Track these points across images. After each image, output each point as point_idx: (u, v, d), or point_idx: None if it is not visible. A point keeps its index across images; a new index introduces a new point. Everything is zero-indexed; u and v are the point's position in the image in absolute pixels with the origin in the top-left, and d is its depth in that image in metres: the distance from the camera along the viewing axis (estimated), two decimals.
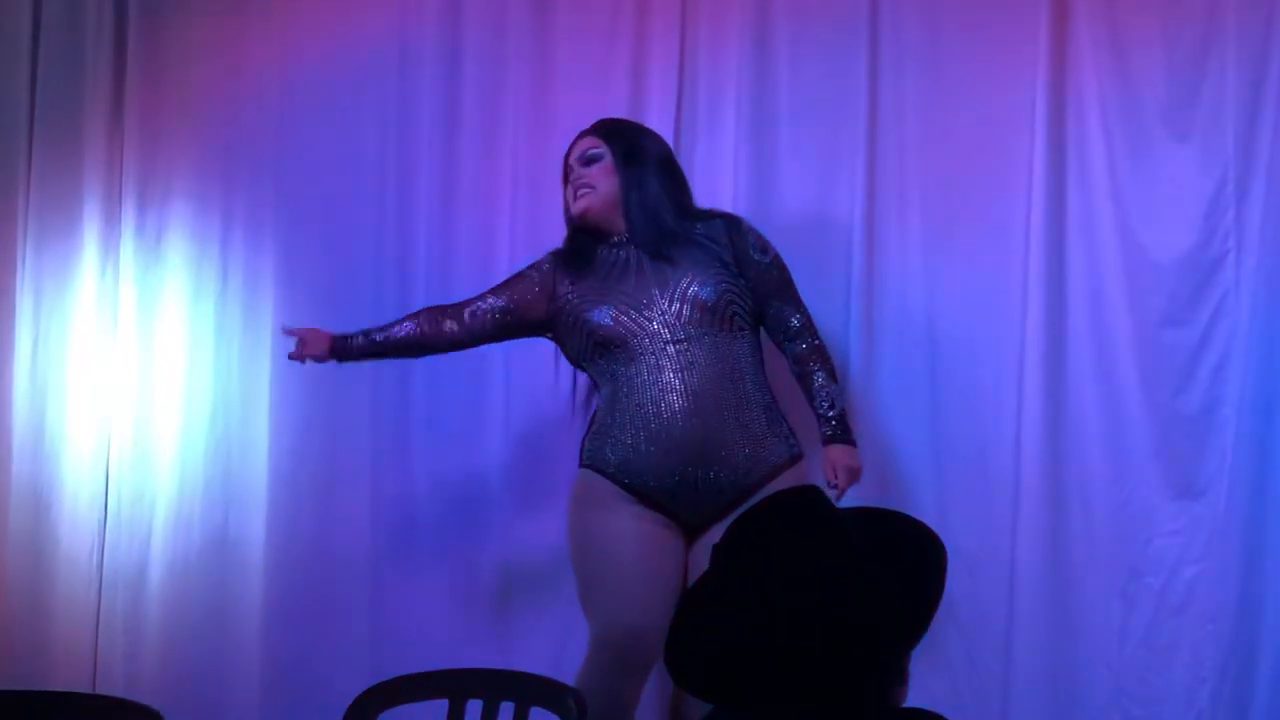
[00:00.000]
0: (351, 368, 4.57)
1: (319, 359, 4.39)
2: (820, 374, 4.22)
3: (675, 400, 4.12)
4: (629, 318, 4.18)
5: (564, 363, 4.62)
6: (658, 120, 4.80)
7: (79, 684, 4.89)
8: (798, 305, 4.28)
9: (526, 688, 3.53)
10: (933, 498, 4.71)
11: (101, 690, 4.83)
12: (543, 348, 4.68)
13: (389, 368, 4.80)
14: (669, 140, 4.62)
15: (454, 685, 3.55)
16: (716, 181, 4.83)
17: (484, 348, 4.54)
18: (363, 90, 5.03)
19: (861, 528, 2.10)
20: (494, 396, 4.97)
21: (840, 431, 4.20)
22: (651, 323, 4.17)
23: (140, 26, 5.07)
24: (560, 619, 4.78)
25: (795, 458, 4.23)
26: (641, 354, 4.16)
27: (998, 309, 4.72)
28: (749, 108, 4.85)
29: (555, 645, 4.80)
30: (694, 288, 4.17)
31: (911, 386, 4.77)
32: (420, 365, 4.80)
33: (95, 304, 5.07)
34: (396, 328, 4.40)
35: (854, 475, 4.18)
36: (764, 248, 4.26)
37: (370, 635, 4.93)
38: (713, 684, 2.07)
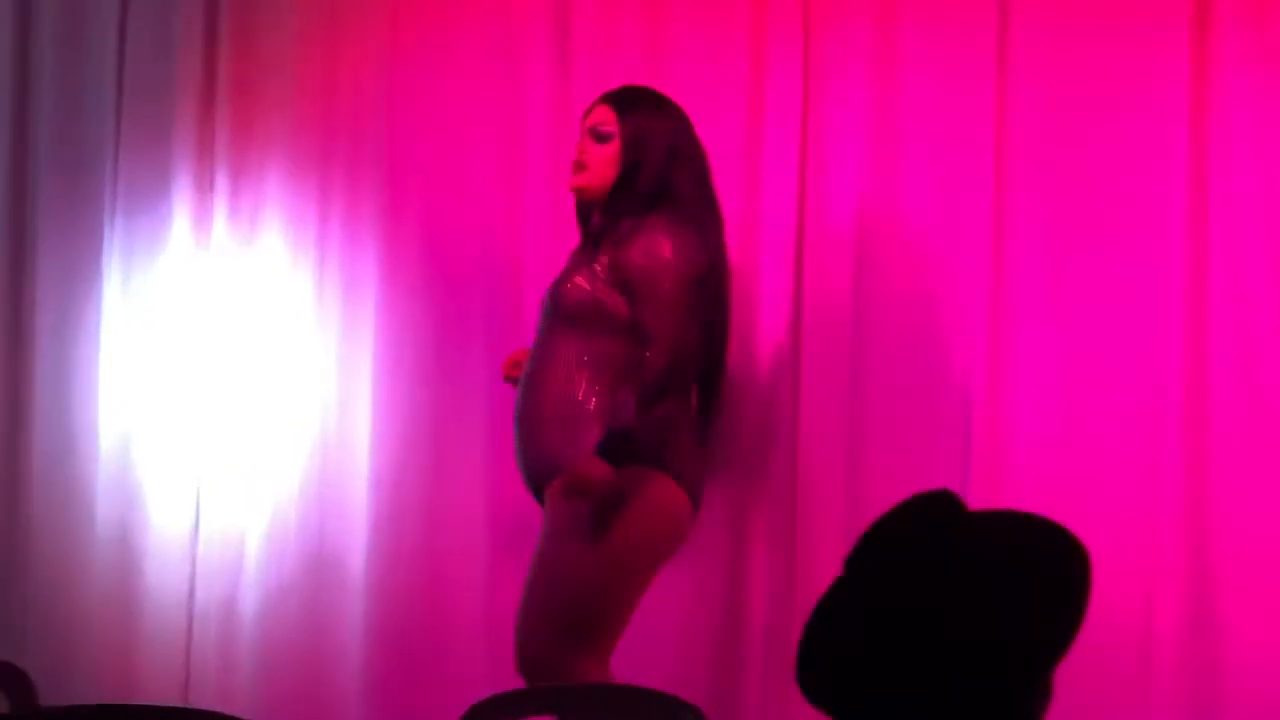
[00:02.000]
0: (462, 369, 4.61)
1: None
2: (628, 395, 4.07)
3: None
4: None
5: None
6: (777, 129, 4.69)
7: None
8: (657, 326, 4.09)
9: (639, 702, 3.49)
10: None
11: None
12: None
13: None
14: (792, 152, 4.60)
15: (561, 700, 3.56)
16: (838, 191, 4.72)
17: None
18: (470, 81, 4.92)
19: (999, 533, 2.04)
20: None
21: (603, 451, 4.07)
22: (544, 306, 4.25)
23: (232, 9, 5.00)
24: (673, 633, 4.61)
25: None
26: None
27: (1136, 324, 4.57)
28: (873, 114, 4.72)
29: (669, 659, 4.60)
30: (558, 284, 4.19)
31: (1043, 404, 4.60)
32: None
33: (184, 292, 4.99)
34: None
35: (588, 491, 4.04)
36: (653, 253, 4.11)
37: (485, 655, 4.72)
38: (843, 700, 2.01)
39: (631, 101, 4.26)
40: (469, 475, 4.81)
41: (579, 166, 4.22)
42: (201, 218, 4.97)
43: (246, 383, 4.94)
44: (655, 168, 4.17)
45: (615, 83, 4.74)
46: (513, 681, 4.45)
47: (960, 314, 4.63)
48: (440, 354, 4.81)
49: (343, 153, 4.95)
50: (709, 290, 4.17)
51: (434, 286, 4.86)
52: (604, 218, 4.19)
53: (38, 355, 5.01)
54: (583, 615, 4.04)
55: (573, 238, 4.68)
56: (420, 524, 4.82)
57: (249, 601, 4.89)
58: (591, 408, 4.09)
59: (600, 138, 4.20)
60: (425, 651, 4.78)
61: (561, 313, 4.15)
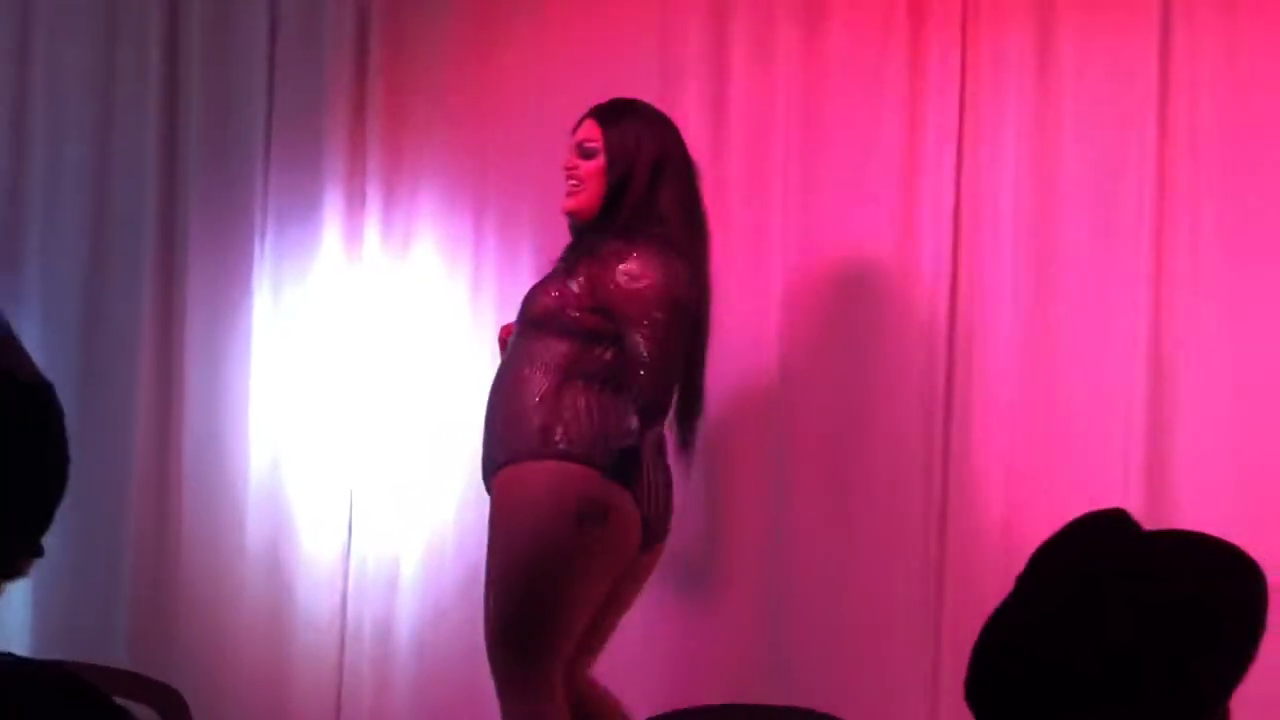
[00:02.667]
0: None
1: None
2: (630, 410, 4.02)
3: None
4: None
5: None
6: (935, 121, 4.63)
7: None
8: (646, 343, 4.00)
9: None
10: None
11: None
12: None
13: None
14: (951, 144, 4.57)
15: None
16: (995, 185, 4.66)
17: None
18: (624, 88, 4.71)
19: (1179, 556, 2.02)
20: None
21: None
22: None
23: (383, 22, 4.97)
24: (838, 652, 4.56)
25: (507, 463, 4.06)
26: None
27: None
28: (1032, 107, 4.64)
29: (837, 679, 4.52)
30: (532, 295, 4.13)
31: (1212, 401, 4.49)
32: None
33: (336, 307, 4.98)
34: None
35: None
36: (634, 276, 4.02)
37: (647, 675, 4.64)
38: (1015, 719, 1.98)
39: (616, 114, 4.21)
40: None
41: (572, 187, 4.17)
42: (353, 230, 4.94)
43: (400, 399, 4.90)
44: (642, 180, 4.11)
45: (773, 82, 4.75)
46: (672, 700, 4.37)
47: (1121, 312, 4.55)
48: None
49: (498, 163, 4.90)
50: (691, 320, 4.11)
51: None
52: (592, 233, 4.11)
53: (188, 372, 4.99)
54: (516, 615, 4.01)
55: (734, 240, 4.70)
56: None
57: (404, 623, 4.85)
58: (535, 403, 4.02)
59: (586, 154, 4.16)
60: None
61: (528, 317, 4.10)
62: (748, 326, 4.69)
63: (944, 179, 4.64)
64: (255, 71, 4.99)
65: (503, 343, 4.27)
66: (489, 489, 4.11)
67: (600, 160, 4.13)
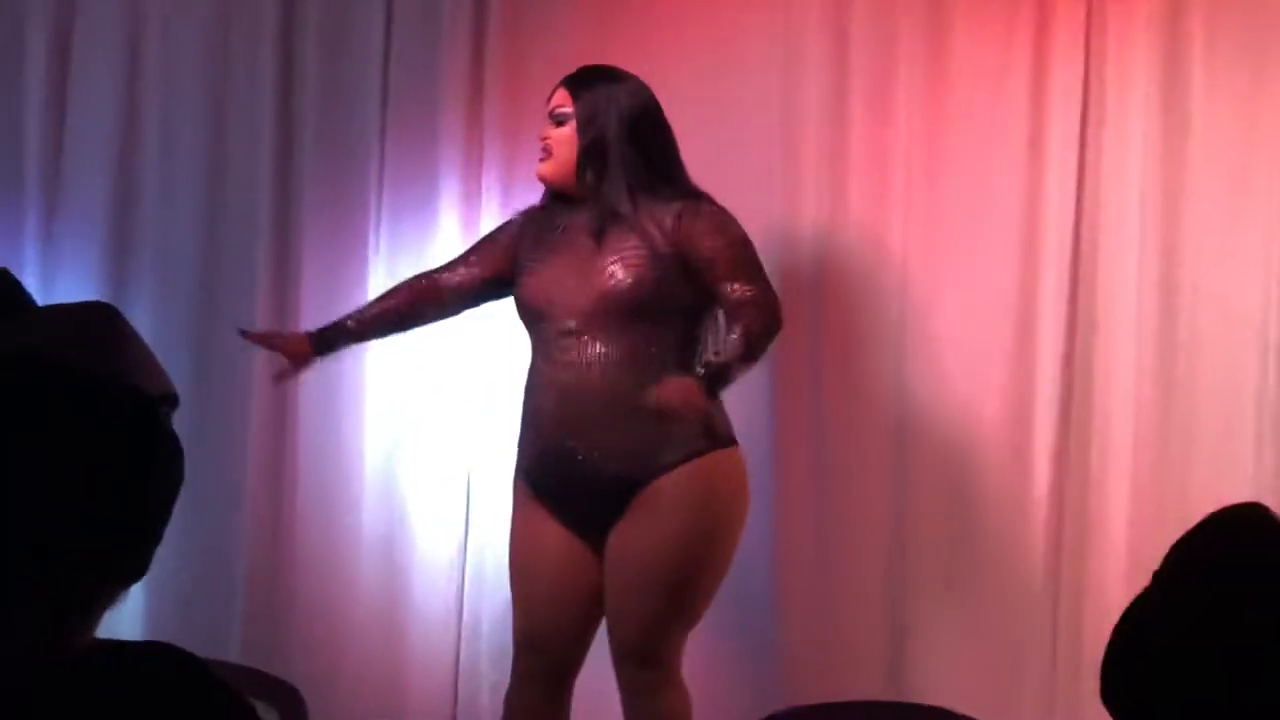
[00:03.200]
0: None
1: (303, 366, 4.30)
2: (734, 332, 3.99)
3: (551, 399, 4.09)
4: (547, 297, 4.13)
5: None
6: (1062, 113, 4.66)
7: None
8: (751, 280, 4.06)
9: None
10: None
11: None
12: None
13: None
14: (1073, 135, 4.58)
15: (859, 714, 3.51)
16: (1121, 177, 4.68)
17: None
18: (745, 75, 4.85)
19: None
20: None
21: (711, 377, 3.96)
22: (561, 307, 4.10)
23: (502, 8, 4.94)
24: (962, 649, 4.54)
25: (691, 455, 4.04)
26: (547, 340, 4.13)
27: None
28: (1158, 98, 4.64)
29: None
30: (613, 279, 4.06)
31: None
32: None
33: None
34: (378, 306, 4.38)
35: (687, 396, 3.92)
36: (721, 228, 4.09)
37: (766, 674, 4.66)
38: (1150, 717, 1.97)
39: (585, 80, 4.21)
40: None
41: (542, 154, 4.20)
42: (470, 222, 4.90)
43: (517, 390, 4.74)
44: (619, 139, 4.11)
45: (894, 77, 4.74)
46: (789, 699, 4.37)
47: (1254, 315, 4.55)
48: None
49: None
50: None
51: None
52: (613, 205, 4.09)
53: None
54: (692, 597, 4.07)
55: (850, 230, 4.68)
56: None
57: None
58: (680, 397, 3.94)
59: (558, 120, 4.17)
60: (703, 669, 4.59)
61: (620, 307, 4.05)
62: (867, 332, 4.70)
63: (1066, 203, 4.66)
64: (370, 61, 4.95)
65: (295, 356, 4.24)
66: (632, 491, 4.05)
67: (571, 125, 4.12)
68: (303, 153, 4.98)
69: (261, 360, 4.74)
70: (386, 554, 4.89)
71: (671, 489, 4.02)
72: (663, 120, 4.20)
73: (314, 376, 4.91)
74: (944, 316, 4.73)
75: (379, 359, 4.89)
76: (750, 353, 3.96)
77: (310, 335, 4.32)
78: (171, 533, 2.02)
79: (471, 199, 4.89)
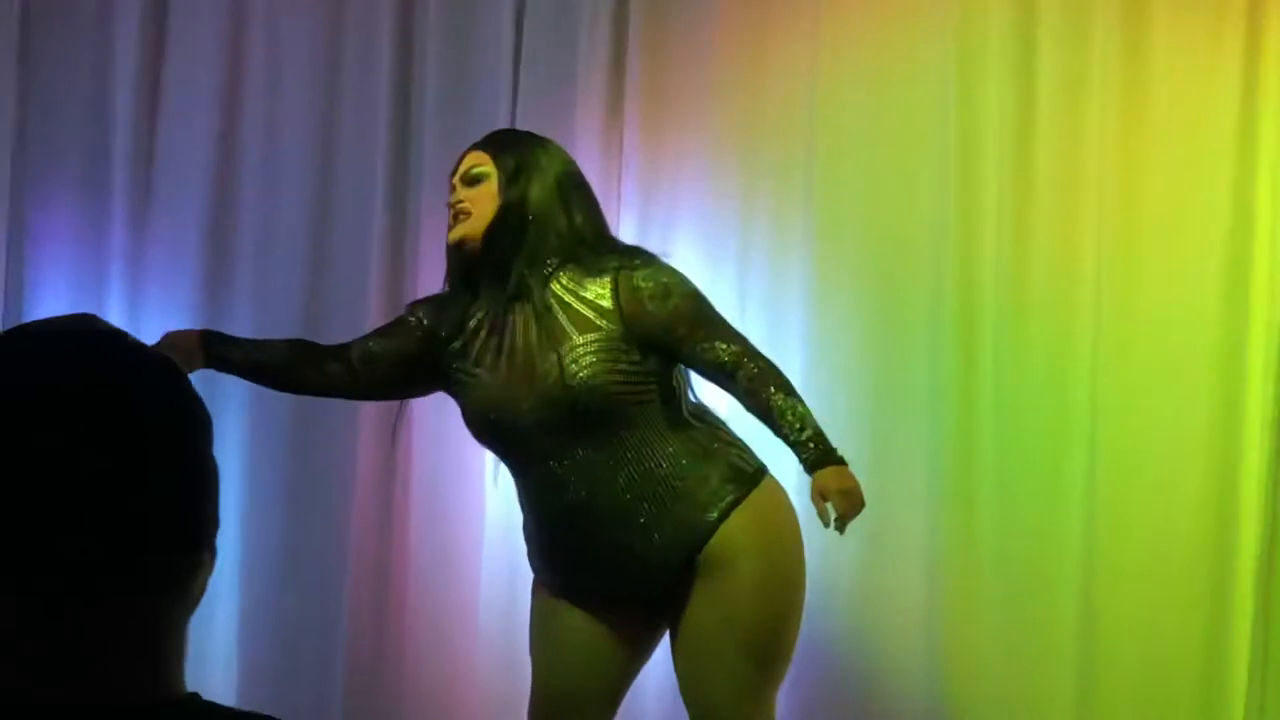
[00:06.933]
0: (904, 382, 4.42)
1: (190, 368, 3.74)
2: (777, 395, 3.64)
3: (553, 535, 3.76)
4: (499, 412, 3.71)
5: None
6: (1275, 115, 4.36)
7: None
8: (722, 336, 3.71)
9: None
10: None
11: None
12: None
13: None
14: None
15: None
16: None
17: None
18: (915, 79, 4.55)
19: None
20: None
21: (821, 452, 3.62)
22: (524, 420, 3.68)
23: (643, 2, 4.66)
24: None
25: (731, 504, 3.69)
26: (517, 459, 3.75)
27: None
28: None
29: None
30: (568, 376, 3.64)
31: None
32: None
33: None
34: (270, 348, 3.92)
35: (851, 498, 3.59)
36: (664, 292, 3.69)
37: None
38: None
39: (502, 139, 3.89)
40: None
41: (457, 216, 3.76)
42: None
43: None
44: (539, 198, 3.72)
45: (1083, 86, 4.47)
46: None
47: None
48: (878, 368, 4.47)
49: (768, 159, 4.58)
50: None
51: (874, 299, 4.51)
52: (541, 277, 3.70)
53: None
54: (776, 649, 3.70)
55: (1040, 241, 4.46)
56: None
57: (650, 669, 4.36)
58: (693, 460, 3.68)
59: (474, 179, 3.77)
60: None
61: (590, 409, 3.63)
62: (1052, 353, 4.43)
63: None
64: (500, 60, 4.68)
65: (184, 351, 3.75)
66: (686, 562, 3.68)
67: (493, 182, 3.74)
68: (420, 156, 4.72)
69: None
70: (509, 593, 4.56)
71: (727, 546, 3.65)
72: (585, 181, 3.84)
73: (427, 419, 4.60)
74: (1138, 361, 4.40)
75: None
76: (801, 401, 3.63)
77: (204, 335, 3.88)
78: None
79: (608, 197, 4.52)
